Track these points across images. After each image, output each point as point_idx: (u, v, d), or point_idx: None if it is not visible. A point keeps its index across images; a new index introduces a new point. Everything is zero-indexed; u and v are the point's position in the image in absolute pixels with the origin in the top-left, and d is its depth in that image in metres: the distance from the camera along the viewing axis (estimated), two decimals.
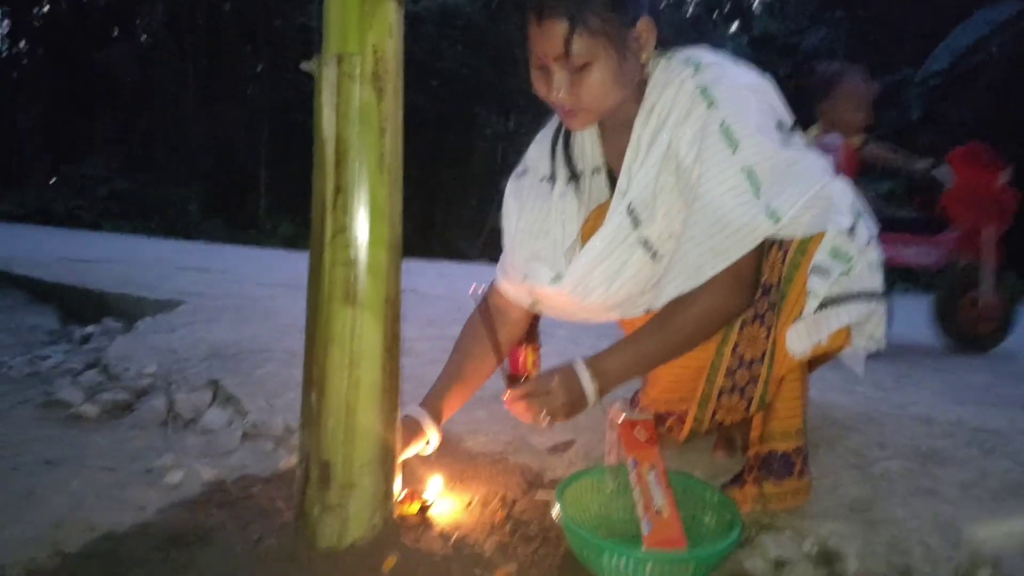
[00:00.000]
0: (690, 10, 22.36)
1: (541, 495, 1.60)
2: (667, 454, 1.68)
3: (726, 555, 1.33)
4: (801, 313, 1.39)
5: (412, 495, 1.52)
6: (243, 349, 2.66)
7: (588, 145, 1.62)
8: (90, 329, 3.36)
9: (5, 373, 2.76)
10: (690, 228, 1.41)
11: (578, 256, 1.54)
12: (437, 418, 1.61)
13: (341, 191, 1.30)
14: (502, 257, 1.70)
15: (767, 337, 1.45)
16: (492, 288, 1.72)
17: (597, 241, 1.51)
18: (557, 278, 1.56)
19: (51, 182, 16.36)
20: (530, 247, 1.62)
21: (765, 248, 1.42)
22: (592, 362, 1.46)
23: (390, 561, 1.31)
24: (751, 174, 1.36)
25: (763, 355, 1.45)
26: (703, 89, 1.41)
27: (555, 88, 1.42)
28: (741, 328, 1.48)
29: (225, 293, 3.68)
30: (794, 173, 1.38)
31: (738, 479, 1.53)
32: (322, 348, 1.33)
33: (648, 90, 1.48)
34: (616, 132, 1.56)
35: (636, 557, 1.25)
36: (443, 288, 3.80)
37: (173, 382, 2.45)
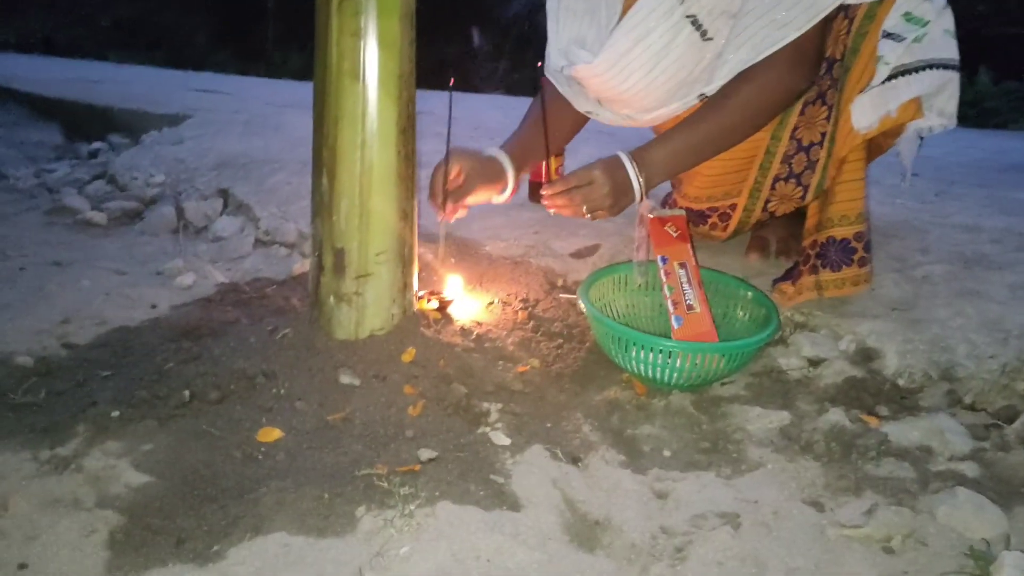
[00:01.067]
0: None
1: (564, 296, 1.54)
2: (699, 258, 1.61)
3: (759, 350, 1.27)
4: (868, 84, 1.28)
5: (431, 293, 1.46)
6: (253, 159, 2.56)
7: None
8: (96, 144, 3.27)
9: (12, 184, 2.68)
10: (749, 2, 1.28)
11: (615, 31, 1.40)
12: (517, 165, 1.50)
13: None
14: (547, 47, 1.57)
15: (827, 118, 1.34)
16: (543, 83, 1.60)
17: (635, 14, 1.36)
18: (592, 57, 1.43)
19: (50, 9, 15.73)
20: (574, 29, 1.50)
21: (829, 19, 1.29)
22: (637, 152, 1.36)
23: (410, 352, 1.26)
24: None
25: (823, 137, 1.35)
26: None
27: None
28: (802, 110, 1.37)
29: (233, 110, 3.54)
30: None
31: (790, 273, 1.46)
32: (332, 127, 1.22)
33: None
34: None
35: (665, 348, 1.20)
36: (457, 111, 3.65)
37: (182, 191, 2.37)
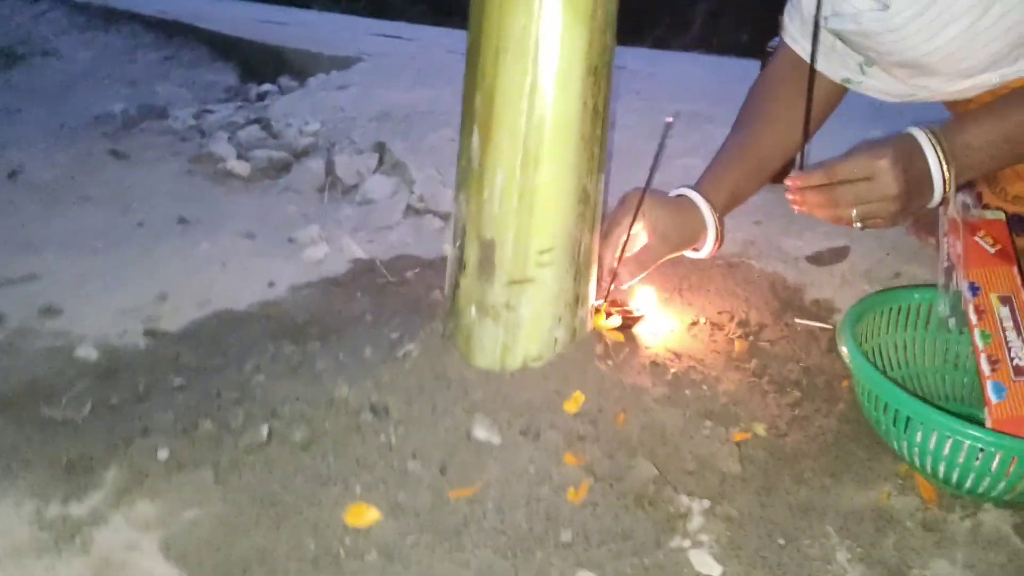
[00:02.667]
0: None
1: (803, 323, 1.09)
2: None
3: None
4: None
5: (612, 305, 1.05)
6: (418, 111, 2.22)
7: None
8: (266, 87, 3.05)
9: (169, 125, 2.49)
10: None
11: None
12: (722, 210, 1.09)
13: None
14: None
15: None
16: (781, 47, 1.15)
17: None
18: (883, 6, 0.94)
19: None
20: None
21: None
22: (944, 131, 0.89)
23: (576, 397, 0.86)
24: None
25: None
26: None
27: None
28: None
29: (409, 55, 3.23)
30: None
31: None
32: (489, 61, 0.83)
33: None
34: None
35: (977, 439, 0.74)
36: (655, 67, 3.17)
37: (336, 143, 2.07)
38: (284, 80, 3.08)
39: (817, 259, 1.24)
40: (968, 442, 0.74)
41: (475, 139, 0.85)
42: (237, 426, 0.86)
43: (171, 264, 1.39)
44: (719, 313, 1.12)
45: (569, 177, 0.85)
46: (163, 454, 0.81)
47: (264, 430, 0.85)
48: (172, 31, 3.97)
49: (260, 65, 3.35)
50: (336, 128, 2.16)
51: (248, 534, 0.72)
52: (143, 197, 1.76)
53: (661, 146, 0.94)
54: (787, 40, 1.13)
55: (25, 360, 1.05)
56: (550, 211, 0.85)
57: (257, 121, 2.37)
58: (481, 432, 0.83)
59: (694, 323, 1.09)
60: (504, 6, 0.80)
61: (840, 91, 1.13)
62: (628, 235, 1.00)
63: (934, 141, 0.88)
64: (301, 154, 2.07)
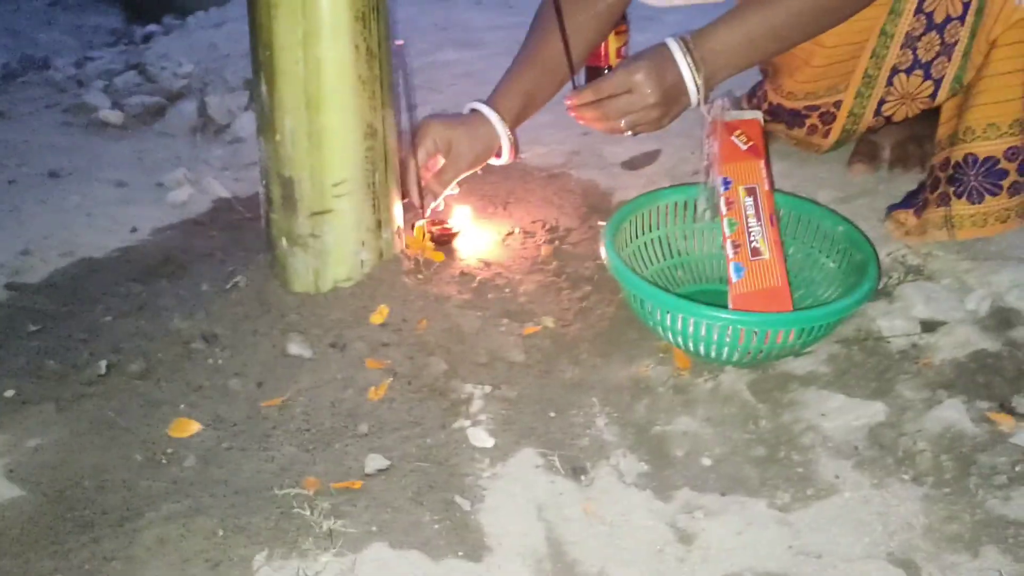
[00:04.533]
0: None
1: (603, 223, 1.21)
2: (784, 169, 1.24)
3: (849, 314, 0.93)
4: None
5: (433, 222, 1.16)
6: None
7: None
8: (150, 28, 3.03)
9: (49, 76, 2.49)
10: None
11: None
12: (513, 117, 1.17)
13: None
14: None
15: None
16: None
17: None
18: None
19: None
20: None
21: None
22: (695, 38, 0.99)
23: (381, 310, 0.98)
24: None
25: (965, 9, 0.97)
26: None
27: None
28: None
29: None
30: None
31: (913, 198, 1.09)
32: (266, 16, 0.92)
33: None
34: None
35: (707, 318, 0.87)
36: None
37: (209, 83, 2.12)
38: (168, 20, 3.06)
39: (630, 164, 1.35)
40: (700, 319, 0.88)
41: (263, 87, 0.94)
42: (80, 363, 0.97)
43: (39, 218, 1.45)
44: (533, 222, 1.24)
45: (352, 116, 0.95)
46: (9, 393, 0.92)
47: (103, 364, 0.95)
48: None
49: (146, 4, 3.32)
50: (210, 68, 2.20)
51: (83, 453, 0.84)
52: (17, 154, 1.80)
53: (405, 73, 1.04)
54: None
55: None
56: (338, 148, 0.95)
57: (135, 67, 2.39)
58: (295, 348, 0.94)
59: (509, 234, 1.21)
60: None
61: (608, 11, 1.20)
62: (416, 160, 1.09)
63: (684, 49, 0.98)
64: (175, 96, 2.12)
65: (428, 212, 1.12)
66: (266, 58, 0.92)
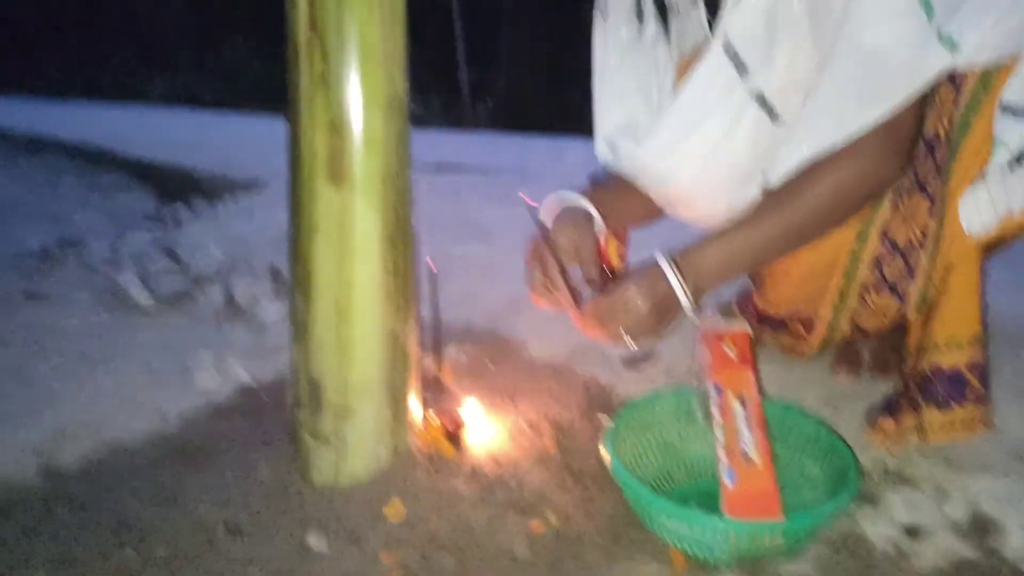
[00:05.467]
0: None
1: (604, 419, 1.29)
2: (772, 372, 1.33)
3: (832, 519, 0.99)
4: (983, 172, 0.99)
5: (443, 416, 1.24)
6: None
7: None
8: (181, 212, 3.25)
9: (84, 259, 2.66)
10: (830, 68, 1.01)
11: (664, 116, 1.16)
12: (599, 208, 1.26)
13: (317, 28, 0.98)
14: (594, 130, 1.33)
15: (930, 212, 1.06)
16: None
17: (689, 93, 1.11)
18: (636, 143, 1.18)
19: (198, 67, 16.72)
20: (622, 113, 1.25)
21: (931, 90, 1.01)
22: (683, 256, 1.10)
23: (394, 507, 1.05)
24: None
25: (924, 237, 1.08)
26: None
27: None
28: (894, 203, 1.09)
29: None
30: None
31: (890, 406, 1.17)
32: (306, 240, 1.04)
33: None
34: None
35: (696, 523, 0.94)
36: (555, 170, 3.44)
37: (236, 270, 2.26)
38: (198, 204, 3.28)
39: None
40: (692, 523, 0.94)
41: (299, 300, 1.05)
42: (108, 551, 1.02)
43: (73, 402, 1.54)
44: (538, 416, 1.32)
45: (377, 326, 1.05)
46: None
47: (130, 552, 1.01)
48: (94, 158, 4.17)
49: (177, 188, 3.56)
50: (237, 255, 2.36)
51: None
52: (54, 336, 1.92)
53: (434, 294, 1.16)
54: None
55: None
56: (362, 354, 1.04)
57: (166, 250, 2.56)
58: (313, 541, 1.00)
59: (514, 427, 1.29)
60: (314, 197, 1.01)
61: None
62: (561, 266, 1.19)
63: (674, 265, 1.10)
64: (203, 281, 2.26)
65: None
66: (303, 275, 1.04)
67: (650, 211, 1.30)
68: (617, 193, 1.28)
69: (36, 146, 4.66)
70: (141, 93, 16.23)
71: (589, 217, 1.24)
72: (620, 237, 1.68)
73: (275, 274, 2.15)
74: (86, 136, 4.45)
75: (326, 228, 1.02)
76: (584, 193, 1.27)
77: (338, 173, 1.01)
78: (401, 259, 1.07)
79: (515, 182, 3.40)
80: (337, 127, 0.99)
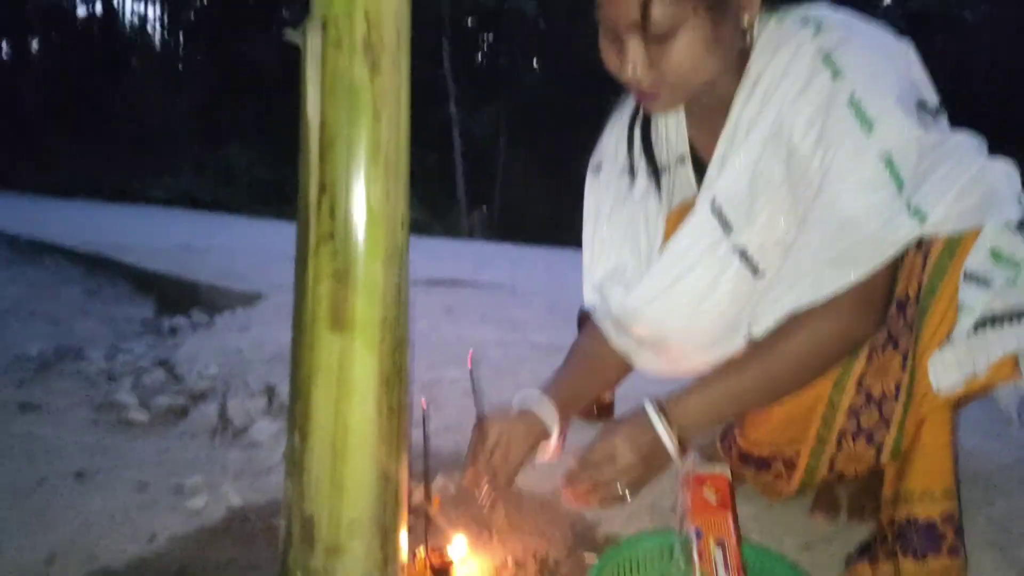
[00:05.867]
0: None
1: (589, 557, 1.32)
2: (752, 512, 1.37)
3: None
4: (949, 335, 1.05)
5: (431, 552, 1.27)
6: None
7: (672, 129, 1.30)
8: (178, 321, 3.31)
9: (82, 368, 2.70)
10: (808, 232, 1.09)
11: (652, 266, 1.24)
12: (563, 414, 1.31)
13: (326, 189, 1.06)
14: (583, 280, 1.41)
15: (903, 367, 1.12)
16: (584, 313, 1.44)
17: (676, 247, 1.20)
18: (627, 292, 1.26)
19: (198, 169, 17.16)
20: (612, 259, 1.33)
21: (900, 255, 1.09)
22: (669, 404, 1.16)
23: None
24: (890, 162, 1.03)
25: (897, 390, 1.13)
26: (826, 54, 1.08)
27: (630, 63, 1.11)
28: (869, 356, 1.15)
29: None
30: (941, 154, 1.04)
31: (866, 552, 1.20)
32: (306, 380, 1.09)
33: (753, 57, 1.15)
34: (708, 112, 1.22)
35: None
36: (546, 285, 3.53)
37: (231, 386, 2.31)
38: (196, 314, 3.34)
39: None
40: None
41: (296, 437, 1.10)
42: None
43: (64, 523, 1.56)
44: (523, 552, 1.34)
45: (371, 466, 1.09)
46: None
47: None
48: (96, 265, 4.26)
49: (176, 298, 3.63)
50: (233, 371, 2.41)
51: None
52: (48, 450, 1.94)
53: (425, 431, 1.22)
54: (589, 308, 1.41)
55: None
56: (356, 494, 1.08)
57: (163, 364, 2.60)
58: None
59: (502, 564, 1.31)
60: (315, 342, 1.07)
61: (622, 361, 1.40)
62: (480, 455, 1.25)
63: (660, 413, 1.15)
64: (199, 397, 2.30)
65: (489, 506, 1.26)
66: (301, 415, 1.09)
67: (619, 377, 1.40)
68: (584, 371, 1.37)
69: (39, 249, 4.76)
70: (142, 194, 16.58)
71: (533, 429, 1.29)
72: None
73: (270, 392, 2.20)
74: (88, 238, 4.55)
75: (326, 371, 1.07)
76: (547, 389, 1.33)
77: (340, 320, 1.07)
78: (396, 400, 1.12)
79: (507, 299, 3.50)
80: (341, 277, 1.06)
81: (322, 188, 1.06)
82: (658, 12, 1.04)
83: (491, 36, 20.85)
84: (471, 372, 1.30)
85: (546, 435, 1.30)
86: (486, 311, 3.02)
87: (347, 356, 1.07)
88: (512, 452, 1.26)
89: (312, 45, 1.06)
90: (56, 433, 2.08)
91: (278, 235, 5.82)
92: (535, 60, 20.43)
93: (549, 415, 1.30)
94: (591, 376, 1.38)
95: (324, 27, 1.04)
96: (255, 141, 18.55)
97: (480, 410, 1.29)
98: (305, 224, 1.08)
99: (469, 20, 19.60)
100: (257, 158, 17.80)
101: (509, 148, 18.68)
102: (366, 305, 1.08)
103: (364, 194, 1.06)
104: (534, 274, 4.27)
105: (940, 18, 15.67)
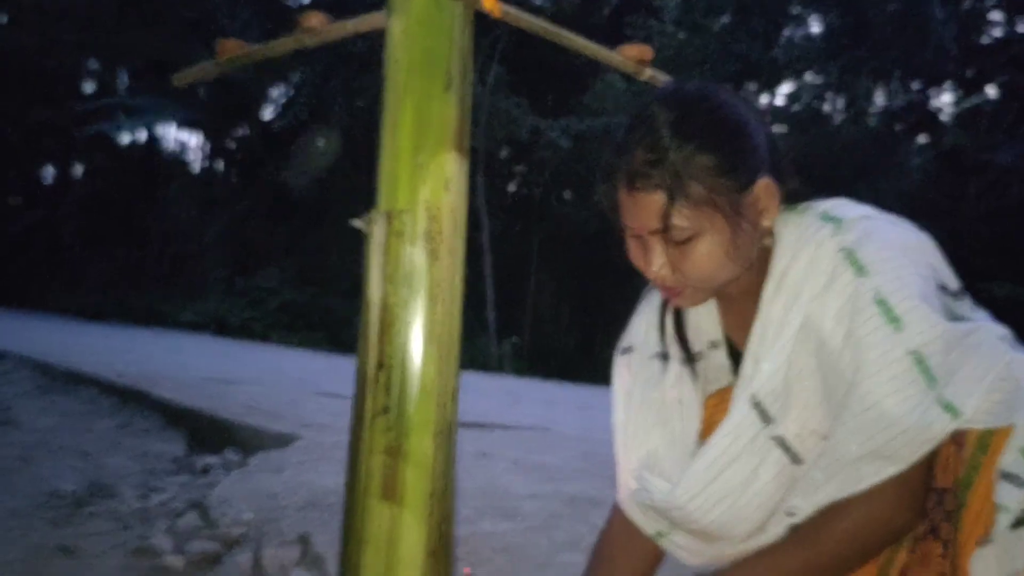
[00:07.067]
0: (871, 122, 20.59)
1: None
2: None
3: None
4: (988, 532, 1.07)
5: None
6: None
7: (703, 316, 1.34)
8: (210, 460, 3.34)
9: (115, 508, 2.73)
10: (845, 426, 1.12)
11: (695, 459, 1.26)
12: None
13: (384, 366, 1.13)
14: (617, 461, 1.41)
15: (943, 555, 1.12)
16: (615, 505, 1.45)
17: (718, 441, 1.21)
18: (670, 489, 1.27)
19: (227, 293, 17.48)
20: (645, 445, 1.33)
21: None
22: None
23: None
24: (920, 359, 1.07)
25: None
26: (848, 251, 1.13)
27: (654, 264, 1.17)
28: (913, 547, 1.16)
29: (347, 426, 3.58)
30: (969, 348, 1.08)
31: None
32: (356, 549, 1.13)
33: (776, 255, 1.20)
34: (738, 300, 1.27)
35: None
36: (579, 426, 3.55)
37: (266, 533, 2.32)
38: (228, 453, 3.37)
39: None
40: None
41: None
42: None
43: None
44: None
45: None
46: None
47: None
48: (127, 397, 4.32)
49: (208, 435, 3.66)
50: (267, 517, 2.42)
51: None
52: None
53: None
54: (621, 504, 1.43)
55: None
56: None
57: (196, 506, 2.62)
58: None
59: None
60: (366, 512, 1.12)
61: (658, 550, 1.40)
62: None
63: None
64: (233, 543, 2.30)
65: None
66: (353, 554, 1.12)
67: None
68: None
69: (72, 379, 4.85)
70: (171, 317, 16.89)
71: None
72: None
73: (305, 542, 2.20)
74: (119, 367, 4.65)
75: (375, 542, 1.11)
76: None
77: (391, 492, 1.11)
78: (442, 569, 1.14)
79: (541, 442, 3.51)
80: (393, 451, 1.11)
81: (379, 365, 1.13)
82: (678, 222, 1.11)
83: (524, 167, 21.44)
84: None
85: None
86: (519, 456, 3.04)
87: (397, 527, 1.11)
88: None
89: (376, 233, 1.15)
90: None
91: (307, 367, 5.92)
92: (566, 192, 20.92)
93: None
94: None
95: (389, 219, 1.13)
96: (286, 265, 18.96)
97: None
98: (362, 397, 1.15)
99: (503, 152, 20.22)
100: (287, 281, 18.14)
101: (540, 279, 18.90)
102: (416, 478, 1.12)
103: (419, 372, 1.13)
104: (567, 413, 4.29)
105: (972, 157, 15.98)
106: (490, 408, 4.36)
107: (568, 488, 2.57)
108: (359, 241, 1.18)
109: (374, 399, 1.13)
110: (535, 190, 20.75)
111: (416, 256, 1.13)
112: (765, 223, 1.17)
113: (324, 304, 17.72)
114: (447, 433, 1.16)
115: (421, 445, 1.13)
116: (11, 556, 2.24)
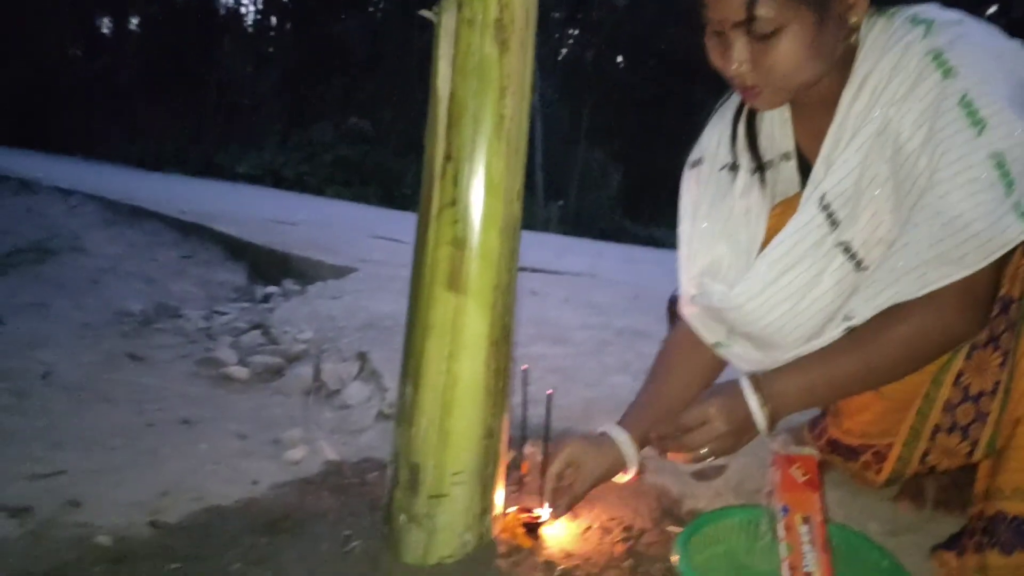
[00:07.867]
0: None
1: (673, 528, 1.36)
2: (837, 498, 1.40)
3: None
4: None
5: (521, 512, 1.33)
6: (400, 322, 2.56)
7: (777, 126, 1.32)
8: (270, 289, 3.44)
9: (181, 326, 2.85)
10: (913, 229, 1.10)
11: (757, 260, 1.25)
12: (640, 443, 1.34)
13: (452, 159, 1.13)
14: (679, 270, 1.41)
15: (1002, 364, 1.13)
16: (673, 302, 1.46)
17: (781, 241, 1.21)
18: (729, 286, 1.27)
19: (282, 147, 17.52)
20: (709, 254, 1.33)
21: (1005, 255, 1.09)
22: (764, 381, 1.19)
23: None
24: (1001, 162, 1.03)
25: (995, 387, 1.14)
26: (936, 54, 1.08)
27: (735, 61, 1.13)
28: (969, 353, 1.17)
29: (403, 262, 3.65)
30: None
31: (955, 542, 1.22)
32: (420, 337, 1.16)
33: (860, 58, 1.16)
34: (814, 110, 1.24)
35: None
36: (627, 274, 3.57)
37: (325, 350, 2.41)
38: (287, 284, 3.47)
39: (701, 474, 1.52)
40: None
41: (408, 391, 1.17)
42: None
43: (173, 463, 1.67)
44: (610, 520, 1.40)
45: (477, 419, 1.16)
46: None
47: None
48: (190, 231, 4.43)
49: (268, 267, 3.76)
50: (327, 336, 2.51)
51: None
52: (154, 399, 2.07)
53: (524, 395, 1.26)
54: (683, 314, 1.44)
55: (50, 548, 1.32)
56: (461, 444, 1.15)
57: (258, 326, 2.72)
58: None
59: (588, 528, 1.37)
60: (432, 301, 1.14)
61: (718, 360, 1.42)
62: (551, 472, 1.29)
63: (755, 388, 1.18)
64: (293, 359, 2.40)
65: (556, 519, 1.31)
66: (414, 368, 1.16)
67: (704, 387, 1.39)
68: (665, 393, 1.38)
69: (136, 213, 4.97)
70: (227, 169, 17.09)
71: (608, 458, 1.32)
72: None
73: (362, 359, 2.29)
74: (180, 206, 4.74)
75: (440, 328, 1.14)
76: (627, 422, 1.36)
77: (456, 282, 1.13)
78: (503, 361, 1.18)
79: (590, 285, 3.54)
80: (459, 243, 1.13)
81: (447, 157, 1.12)
82: (763, 12, 1.06)
83: (577, 29, 20.74)
84: (524, 385, 1.34)
85: (622, 465, 1.33)
86: (569, 294, 3.07)
87: (461, 316, 1.14)
88: (581, 476, 1.30)
89: (446, 23, 1.12)
90: (161, 383, 2.21)
91: (363, 216, 5.98)
92: (619, 56, 20.29)
93: (627, 447, 1.33)
94: (672, 397, 1.37)
95: (459, 6, 1.10)
96: (340, 120, 18.87)
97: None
98: (429, 190, 1.15)
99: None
100: (341, 138, 18.10)
101: (588, 145, 18.56)
102: (481, 270, 1.14)
103: (486, 165, 1.12)
104: (615, 265, 4.32)
105: None
106: (538, 258, 4.39)
107: (617, 322, 2.61)
108: (412, 97, 1.16)
109: (441, 192, 1.13)
110: (587, 52, 20.13)
111: (486, 46, 1.11)
112: (852, 19, 1.12)
113: (378, 160, 17.70)
114: (512, 229, 1.17)
115: (487, 238, 1.14)
116: (85, 360, 2.37)
